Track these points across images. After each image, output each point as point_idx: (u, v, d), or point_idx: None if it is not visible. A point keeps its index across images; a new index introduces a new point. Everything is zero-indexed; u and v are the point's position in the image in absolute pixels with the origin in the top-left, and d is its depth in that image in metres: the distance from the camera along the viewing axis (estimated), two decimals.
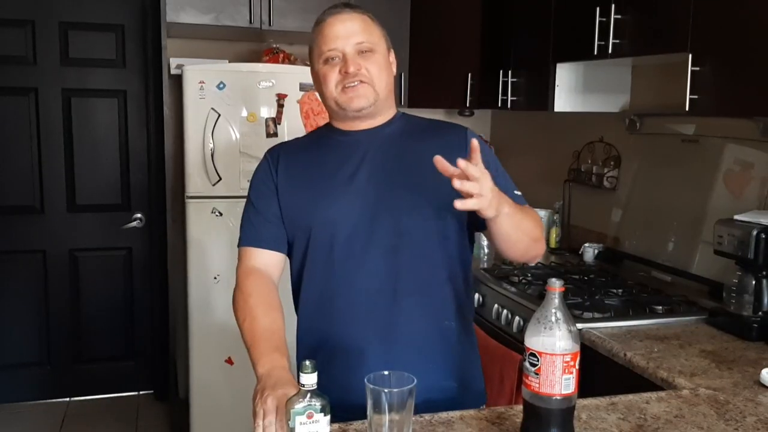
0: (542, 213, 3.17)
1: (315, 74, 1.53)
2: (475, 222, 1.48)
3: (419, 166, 1.44)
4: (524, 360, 1.20)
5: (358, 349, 1.45)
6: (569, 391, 1.17)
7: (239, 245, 1.56)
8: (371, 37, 1.48)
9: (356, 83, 1.45)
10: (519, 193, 1.55)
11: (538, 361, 1.17)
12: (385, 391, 1.15)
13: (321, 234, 1.47)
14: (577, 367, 1.18)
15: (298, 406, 1.11)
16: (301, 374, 1.12)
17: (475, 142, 1.27)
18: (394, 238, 1.46)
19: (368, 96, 1.46)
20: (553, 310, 1.18)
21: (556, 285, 1.18)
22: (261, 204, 1.54)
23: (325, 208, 1.47)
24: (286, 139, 2.94)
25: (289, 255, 1.56)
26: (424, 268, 1.48)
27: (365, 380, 1.18)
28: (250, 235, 1.54)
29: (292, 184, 1.52)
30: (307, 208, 1.49)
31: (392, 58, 1.55)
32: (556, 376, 1.16)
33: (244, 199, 2.99)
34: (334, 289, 1.48)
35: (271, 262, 1.53)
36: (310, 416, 1.11)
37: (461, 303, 1.54)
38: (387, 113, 1.55)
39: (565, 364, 1.16)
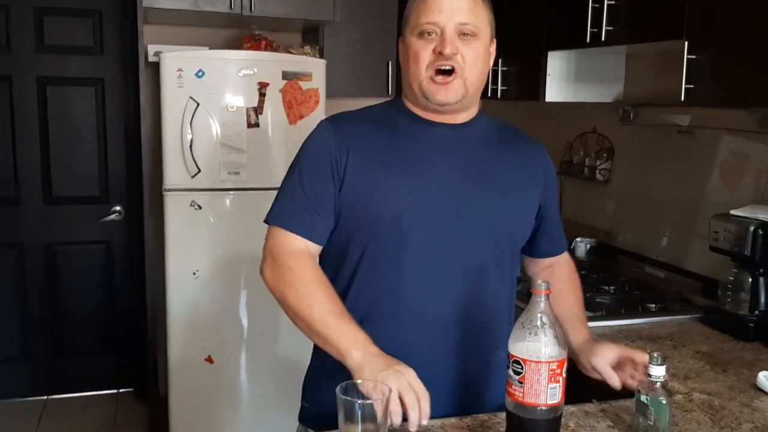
0: None
1: (405, 47, 1.34)
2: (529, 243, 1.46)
3: (507, 177, 1.36)
4: (508, 367, 1.12)
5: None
6: (555, 401, 1.10)
7: (278, 222, 1.32)
8: (477, 20, 1.29)
9: (449, 70, 1.27)
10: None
11: (522, 368, 1.09)
12: (358, 402, 1.08)
13: (395, 230, 1.28)
14: (564, 375, 1.10)
15: None
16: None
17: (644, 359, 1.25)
18: (475, 254, 1.32)
19: (457, 91, 1.29)
20: (539, 314, 1.10)
21: (542, 288, 1.10)
22: (315, 188, 1.31)
23: (400, 200, 1.28)
24: (271, 131, 2.91)
25: (332, 246, 1.35)
26: (495, 289, 1.36)
27: (336, 390, 1.10)
28: (295, 221, 1.31)
29: (365, 171, 1.30)
30: (381, 201, 1.29)
31: (493, 48, 1.37)
32: (541, 385, 1.08)
33: (224, 192, 2.92)
34: (397, 298, 1.30)
35: (314, 252, 1.34)
36: None
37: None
38: (472, 110, 1.39)
39: (551, 372, 1.08)
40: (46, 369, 3.47)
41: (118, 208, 3.38)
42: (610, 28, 2.18)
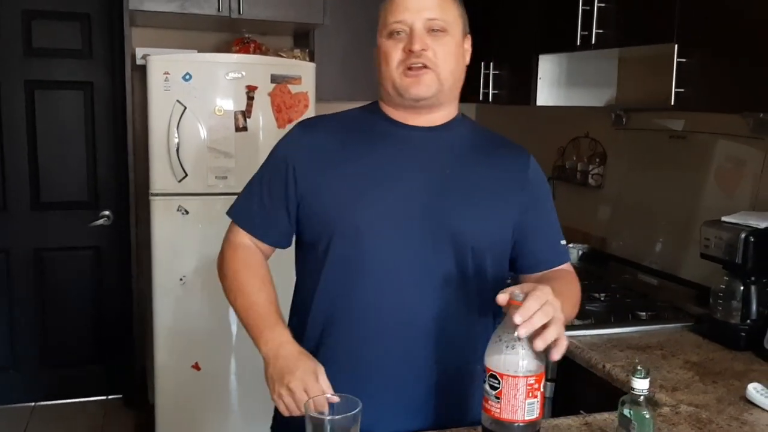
0: None
1: (377, 49, 1.32)
2: (511, 261, 1.38)
3: (477, 187, 1.30)
4: (484, 382, 1.08)
5: (366, 377, 1.25)
6: (533, 417, 1.06)
7: (232, 216, 1.38)
8: (446, 15, 1.27)
9: (420, 66, 1.24)
10: (564, 242, 1.42)
11: (499, 383, 1.05)
12: (327, 418, 1.04)
13: (348, 235, 1.26)
14: (542, 390, 1.06)
15: None
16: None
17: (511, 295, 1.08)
18: (437, 266, 1.27)
19: (430, 85, 1.26)
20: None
21: (519, 298, 1.06)
22: (271, 190, 1.33)
23: (359, 207, 1.26)
24: (259, 135, 2.87)
25: (301, 249, 1.37)
26: (464, 303, 1.30)
27: (303, 406, 1.06)
28: (247, 219, 1.36)
29: (325, 174, 1.29)
30: (339, 204, 1.27)
31: (467, 45, 1.35)
32: (519, 401, 1.04)
33: (212, 197, 2.88)
34: (357, 306, 1.27)
35: (265, 249, 1.38)
36: None
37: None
38: (448, 110, 1.34)
39: (529, 387, 1.04)
40: (33, 376, 3.42)
41: (107, 213, 3.34)
42: (600, 31, 2.15)
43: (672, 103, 1.89)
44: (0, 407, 3.36)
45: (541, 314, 1.02)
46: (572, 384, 1.86)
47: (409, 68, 1.25)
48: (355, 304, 1.27)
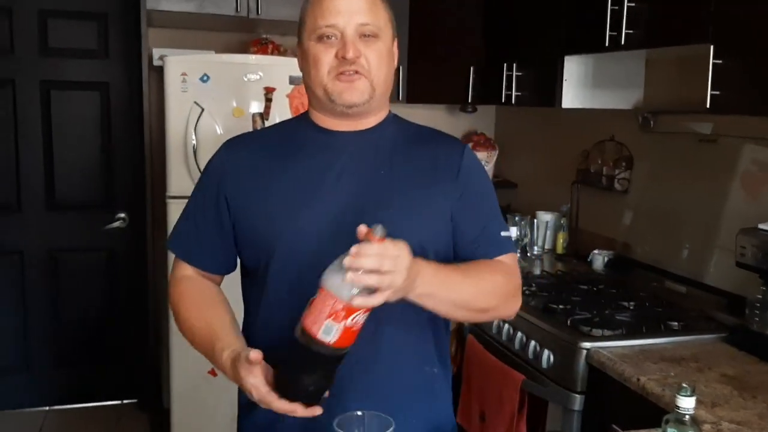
0: (548, 216, 3.00)
1: (303, 52, 1.26)
2: (456, 255, 1.29)
3: (413, 184, 1.25)
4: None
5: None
6: (327, 339, 1.00)
7: (169, 247, 1.35)
8: (377, 19, 1.23)
9: (352, 72, 1.20)
10: (507, 234, 1.32)
11: (315, 294, 1.01)
12: None
13: (285, 256, 1.22)
14: (347, 323, 0.99)
15: None
16: None
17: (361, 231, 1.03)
18: None
19: (363, 91, 1.22)
20: None
21: (378, 235, 1.00)
22: (207, 215, 1.30)
23: (292, 225, 1.22)
24: None
25: (246, 268, 1.33)
26: (411, 305, 1.21)
27: (333, 425, 1.01)
28: (185, 249, 1.33)
29: (255, 195, 1.25)
30: (271, 224, 1.23)
31: (395, 48, 1.31)
32: (321, 316, 1.00)
33: None
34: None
35: (212, 277, 1.35)
36: None
37: (443, 345, 1.34)
38: (380, 113, 1.31)
39: (333, 309, 0.99)
40: (47, 379, 3.39)
41: (122, 215, 3.30)
42: (630, 31, 2.08)
43: (707, 106, 1.82)
44: (13, 411, 3.32)
45: (374, 259, 0.98)
46: (603, 397, 1.80)
47: (341, 73, 1.21)
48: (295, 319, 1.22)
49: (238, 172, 1.28)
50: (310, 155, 1.27)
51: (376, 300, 1.00)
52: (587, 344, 1.85)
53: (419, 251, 1.19)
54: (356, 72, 1.21)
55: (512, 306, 1.30)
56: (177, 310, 1.30)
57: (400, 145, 1.30)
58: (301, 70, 1.29)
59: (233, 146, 1.33)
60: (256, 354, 1.05)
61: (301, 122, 1.34)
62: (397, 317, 1.20)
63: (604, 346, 1.84)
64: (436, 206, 1.26)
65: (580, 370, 1.85)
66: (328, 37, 1.20)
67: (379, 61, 1.23)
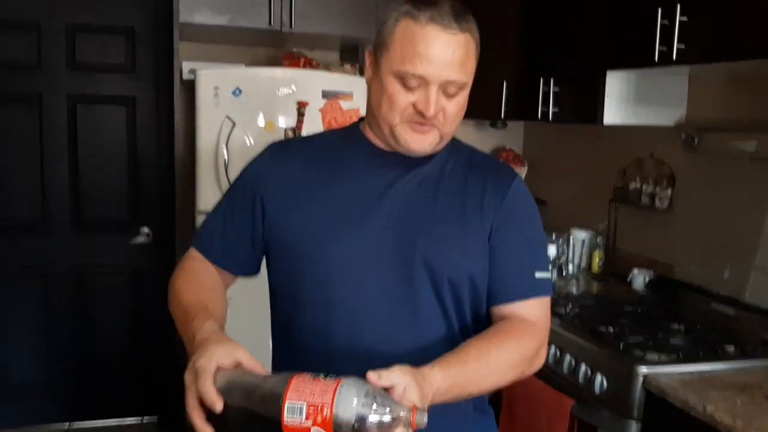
0: (584, 234, 2.92)
1: (378, 78, 1.17)
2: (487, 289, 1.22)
3: (457, 215, 1.19)
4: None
5: None
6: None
7: (195, 245, 1.30)
8: (466, 73, 1.15)
9: (426, 126, 1.16)
10: (544, 275, 1.23)
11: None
12: None
13: (319, 274, 1.18)
14: None
15: None
16: None
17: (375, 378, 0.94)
18: (412, 301, 1.17)
19: (432, 142, 1.19)
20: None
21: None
22: (238, 217, 1.25)
23: (329, 243, 1.18)
24: None
25: (275, 279, 1.28)
26: (443, 338, 1.18)
27: None
28: (206, 243, 1.28)
29: (295, 210, 1.21)
30: (309, 239, 1.19)
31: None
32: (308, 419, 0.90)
33: None
34: (329, 341, 1.18)
35: (225, 277, 1.30)
36: None
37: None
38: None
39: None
40: (70, 395, 3.32)
41: (146, 230, 3.24)
42: (682, 45, 2.02)
43: None
44: (36, 426, 3.26)
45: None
46: (662, 425, 1.72)
47: (415, 123, 1.16)
48: (327, 340, 1.17)
49: (280, 179, 1.24)
50: (358, 174, 1.23)
51: None
52: (644, 369, 1.77)
53: (453, 287, 1.18)
54: (431, 126, 1.16)
55: (536, 366, 1.21)
56: (174, 278, 1.25)
57: (449, 173, 1.25)
58: (371, 93, 1.22)
59: (279, 151, 1.29)
60: (219, 405, 0.95)
61: (355, 136, 1.28)
62: (429, 351, 1.11)
63: (663, 372, 1.76)
64: (472, 240, 1.20)
65: (637, 396, 1.77)
66: (411, 82, 1.13)
67: (456, 114, 1.18)
